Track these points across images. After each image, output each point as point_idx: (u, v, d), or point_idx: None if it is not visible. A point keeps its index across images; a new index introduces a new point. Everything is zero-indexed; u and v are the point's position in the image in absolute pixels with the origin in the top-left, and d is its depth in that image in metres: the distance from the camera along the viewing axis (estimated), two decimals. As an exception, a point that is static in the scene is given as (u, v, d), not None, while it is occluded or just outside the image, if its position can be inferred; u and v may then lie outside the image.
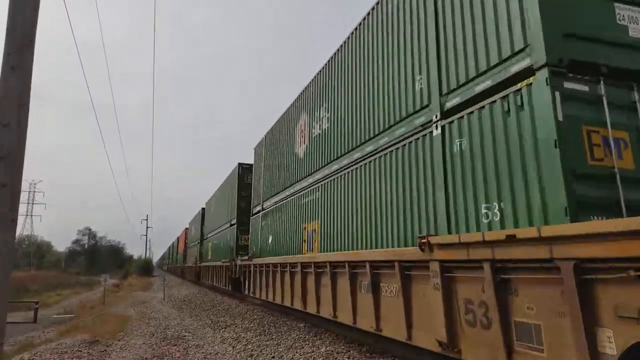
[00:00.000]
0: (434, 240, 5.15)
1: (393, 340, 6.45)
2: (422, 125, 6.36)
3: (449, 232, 5.42)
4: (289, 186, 12.70)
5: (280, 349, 8.43)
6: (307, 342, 8.90)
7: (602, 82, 4.47)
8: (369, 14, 8.45)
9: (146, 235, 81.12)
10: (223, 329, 11.30)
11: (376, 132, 7.69)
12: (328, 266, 8.37)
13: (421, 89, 6.50)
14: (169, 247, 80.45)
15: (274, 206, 14.24)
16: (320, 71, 11.10)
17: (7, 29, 7.40)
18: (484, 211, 4.93)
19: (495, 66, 5.02)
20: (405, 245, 6.30)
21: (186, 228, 47.09)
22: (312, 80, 11.67)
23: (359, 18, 8.92)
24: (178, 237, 59.97)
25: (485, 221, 4.89)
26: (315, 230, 10.24)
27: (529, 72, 4.50)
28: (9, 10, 7.50)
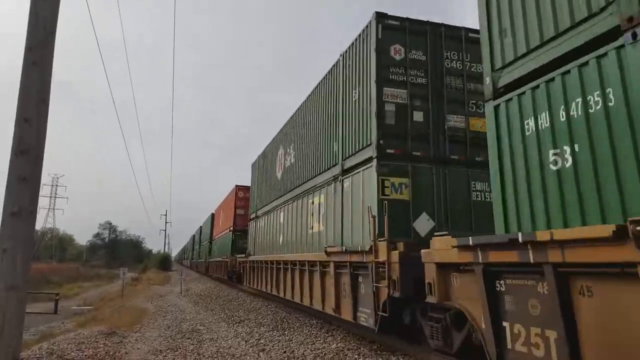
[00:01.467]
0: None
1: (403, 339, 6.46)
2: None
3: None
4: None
5: (292, 345, 8.48)
6: (319, 339, 8.95)
7: None
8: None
9: (165, 230, 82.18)
10: (237, 324, 11.41)
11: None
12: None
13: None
14: (192, 238, 70.10)
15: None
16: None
17: (29, 25, 7.57)
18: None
19: None
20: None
21: (237, 186, 26.91)
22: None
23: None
24: (213, 214, 39.12)
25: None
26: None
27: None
28: (31, 7, 7.66)
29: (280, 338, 9.18)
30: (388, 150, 7.95)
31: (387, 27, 8.59)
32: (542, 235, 3.69)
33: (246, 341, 9.04)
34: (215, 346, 8.58)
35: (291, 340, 8.90)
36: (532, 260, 3.82)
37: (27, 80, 7.33)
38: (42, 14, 7.61)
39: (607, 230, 3.11)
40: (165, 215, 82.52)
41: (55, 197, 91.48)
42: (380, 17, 8.55)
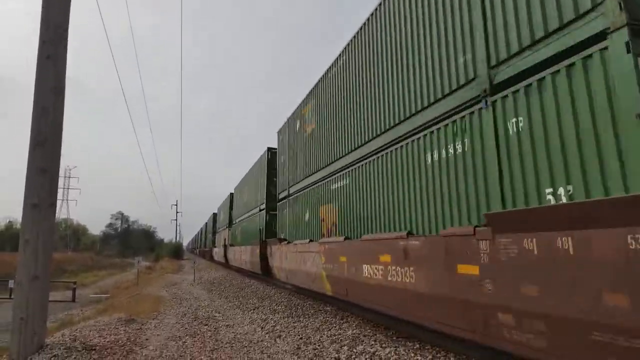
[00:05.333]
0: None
1: (421, 325, 6.53)
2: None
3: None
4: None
5: (308, 331, 8.59)
6: (334, 325, 9.04)
7: None
8: None
9: (176, 220, 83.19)
10: (251, 311, 11.56)
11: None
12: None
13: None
14: (204, 225, 65.22)
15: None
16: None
17: (42, 19, 7.65)
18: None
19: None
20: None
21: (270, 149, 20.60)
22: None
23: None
24: (232, 193, 33.91)
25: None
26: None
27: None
28: (43, 1, 7.70)
29: (296, 325, 9.30)
30: None
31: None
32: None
33: (262, 327, 9.17)
34: (232, 332, 8.72)
35: (306, 327, 9.01)
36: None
37: (41, 73, 7.42)
38: (55, 8, 7.67)
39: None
40: (176, 205, 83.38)
41: (69, 189, 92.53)
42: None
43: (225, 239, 34.39)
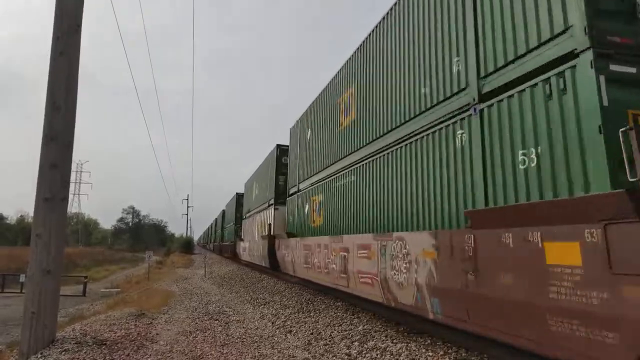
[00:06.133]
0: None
1: (432, 321, 6.45)
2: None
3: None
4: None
5: (319, 326, 8.55)
6: (345, 321, 9.00)
7: None
8: None
9: (187, 214, 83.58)
10: (262, 306, 11.56)
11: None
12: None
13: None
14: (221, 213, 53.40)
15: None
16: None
17: (55, 15, 7.63)
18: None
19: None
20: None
21: None
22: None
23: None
24: (280, 146, 20.35)
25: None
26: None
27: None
28: (56, -3, 7.64)
29: (307, 320, 9.27)
30: None
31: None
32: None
33: (272, 323, 9.15)
34: (243, 327, 8.72)
35: (317, 322, 8.98)
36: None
37: (55, 69, 7.41)
38: (68, 5, 7.65)
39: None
40: (187, 199, 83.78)
41: (80, 183, 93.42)
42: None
43: (269, 225, 20.32)
